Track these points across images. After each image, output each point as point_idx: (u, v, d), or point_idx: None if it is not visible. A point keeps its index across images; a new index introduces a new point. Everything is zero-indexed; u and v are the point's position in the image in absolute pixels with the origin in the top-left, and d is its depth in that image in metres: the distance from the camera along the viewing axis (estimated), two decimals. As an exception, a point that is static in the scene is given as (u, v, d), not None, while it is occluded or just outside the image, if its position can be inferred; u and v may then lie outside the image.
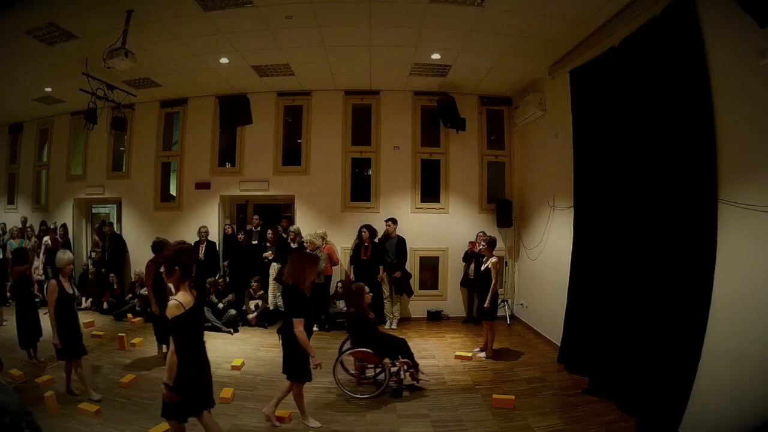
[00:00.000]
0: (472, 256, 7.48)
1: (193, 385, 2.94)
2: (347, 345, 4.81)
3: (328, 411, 4.14)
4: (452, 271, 7.97)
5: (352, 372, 4.88)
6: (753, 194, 3.09)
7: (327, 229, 7.52)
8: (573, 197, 5.52)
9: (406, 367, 4.64)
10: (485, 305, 5.68)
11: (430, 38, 5.67)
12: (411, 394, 4.58)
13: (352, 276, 7.66)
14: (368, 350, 4.54)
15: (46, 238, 8.52)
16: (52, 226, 8.92)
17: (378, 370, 4.75)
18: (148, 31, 5.30)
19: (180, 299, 2.88)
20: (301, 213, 8.07)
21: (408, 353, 4.73)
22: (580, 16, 4.78)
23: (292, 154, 8.20)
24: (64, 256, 4.41)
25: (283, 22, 5.24)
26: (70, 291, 4.37)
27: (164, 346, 5.37)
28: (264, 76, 7.20)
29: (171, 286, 3.08)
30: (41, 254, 8.31)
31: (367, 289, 4.84)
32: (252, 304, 7.25)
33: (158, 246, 5.23)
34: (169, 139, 8.74)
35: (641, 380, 3.92)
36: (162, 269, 3.10)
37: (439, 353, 5.93)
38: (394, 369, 4.54)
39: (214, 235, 8.07)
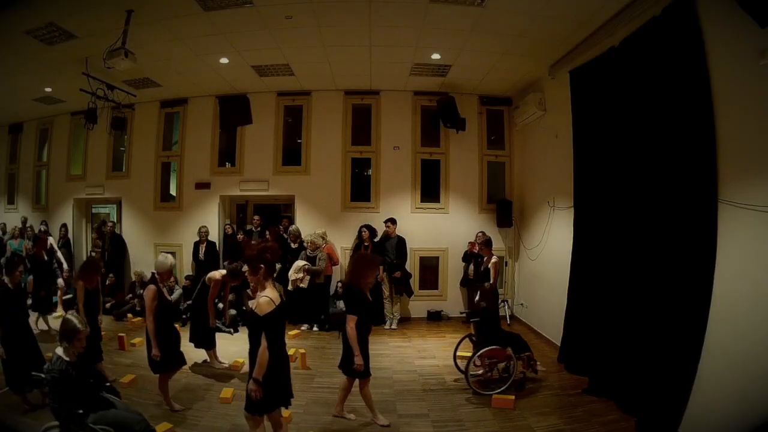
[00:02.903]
0: (471, 256, 7.47)
1: (281, 380, 2.99)
2: (466, 343, 5.02)
3: (329, 411, 4.14)
4: (452, 271, 7.96)
5: (476, 373, 4.86)
6: (753, 194, 3.09)
7: (327, 229, 7.52)
8: (573, 197, 5.52)
9: (529, 361, 4.80)
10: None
11: (430, 38, 5.66)
12: (533, 385, 4.76)
13: (352, 276, 7.65)
14: (498, 347, 4.59)
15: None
16: (43, 229, 8.83)
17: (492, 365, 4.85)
18: (148, 31, 5.29)
19: (270, 295, 2.91)
20: (301, 213, 8.07)
21: (527, 347, 4.82)
22: (580, 16, 4.78)
23: (292, 154, 8.20)
24: (165, 261, 4.15)
25: (283, 22, 5.23)
26: (170, 297, 4.19)
27: (212, 352, 5.28)
28: (264, 76, 7.20)
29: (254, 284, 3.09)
30: None
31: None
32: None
33: (235, 273, 4.85)
34: (169, 139, 8.74)
35: (641, 380, 3.92)
36: (245, 269, 3.07)
37: (439, 353, 5.92)
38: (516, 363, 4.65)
39: (215, 236, 8.07)
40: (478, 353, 4.63)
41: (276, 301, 2.91)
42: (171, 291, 7.35)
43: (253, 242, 3.19)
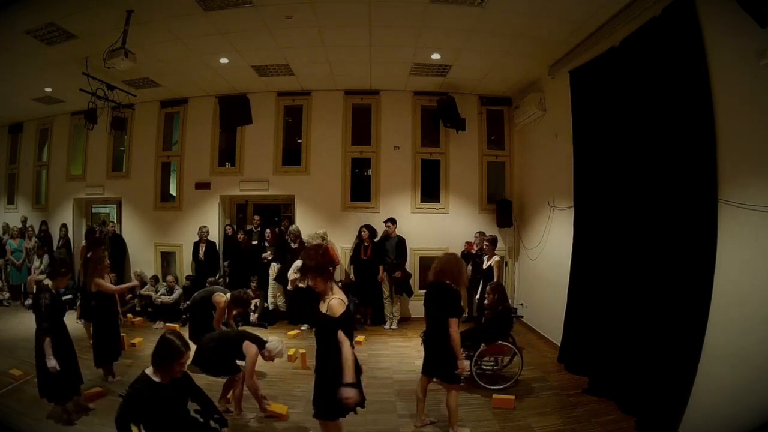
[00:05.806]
0: (469, 256, 7.47)
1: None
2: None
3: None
4: (452, 271, 7.95)
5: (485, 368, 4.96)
6: (753, 194, 3.09)
7: (327, 229, 7.52)
8: (573, 197, 5.51)
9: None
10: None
11: (430, 38, 5.66)
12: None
13: (352, 276, 7.66)
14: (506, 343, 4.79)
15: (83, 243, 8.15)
16: (94, 227, 8.62)
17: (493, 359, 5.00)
18: (148, 31, 5.29)
19: (340, 296, 2.87)
20: (301, 213, 8.07)
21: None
22: (580, 16, 4.78)
23: (292, 154, 8.20)
24: (279, 345, 4.09)
25: (283, 22, 5.23)
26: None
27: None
28: (264, 76, 7.20)
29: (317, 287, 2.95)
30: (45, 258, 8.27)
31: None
32: (251, 304, 7.25)
33: (239, 301, 4.67)
34: (169, 139, 8.74)
35: (641, 380, 3.92)
36: (311, 281, 2.91)
37: (439, 353, 5.92)
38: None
39: (215, 236, 8.07)
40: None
41: (345, 302, 2.88)
42: (171, 291, 7.36)
43: (310, 250, 2.97)
